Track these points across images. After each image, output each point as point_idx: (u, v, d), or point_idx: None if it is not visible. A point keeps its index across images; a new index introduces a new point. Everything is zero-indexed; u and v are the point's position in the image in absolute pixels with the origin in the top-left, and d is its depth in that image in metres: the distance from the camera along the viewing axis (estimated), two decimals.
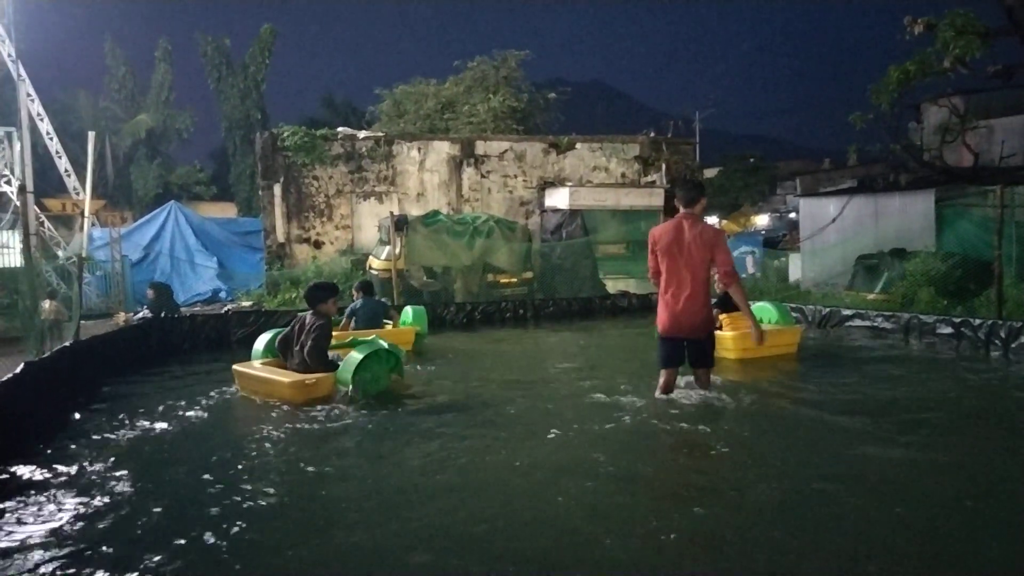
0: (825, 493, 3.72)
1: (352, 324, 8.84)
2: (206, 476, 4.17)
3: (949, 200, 13.16)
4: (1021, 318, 8.67)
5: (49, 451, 4.69)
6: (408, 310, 9.73)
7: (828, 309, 10.77)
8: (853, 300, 12.26)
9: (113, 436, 5.16)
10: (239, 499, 3.76)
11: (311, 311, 6.46)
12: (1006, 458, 4.38)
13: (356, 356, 6.13)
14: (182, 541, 3.20)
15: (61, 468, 4.34)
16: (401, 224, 13.57)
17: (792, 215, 30.73)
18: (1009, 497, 3.71)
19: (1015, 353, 7.89)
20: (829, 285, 13.92)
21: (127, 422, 5.56)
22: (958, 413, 5.55)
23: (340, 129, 17.96)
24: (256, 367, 6.56)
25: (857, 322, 10.18)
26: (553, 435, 4.86)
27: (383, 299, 10.48)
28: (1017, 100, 18.94)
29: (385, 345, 6.47)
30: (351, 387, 6.02)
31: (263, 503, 3.73)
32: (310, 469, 4.35)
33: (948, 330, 8.93)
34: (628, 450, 4.62)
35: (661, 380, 5.55)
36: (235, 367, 6.64)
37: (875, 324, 9.91)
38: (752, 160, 43.62)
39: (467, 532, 3.30)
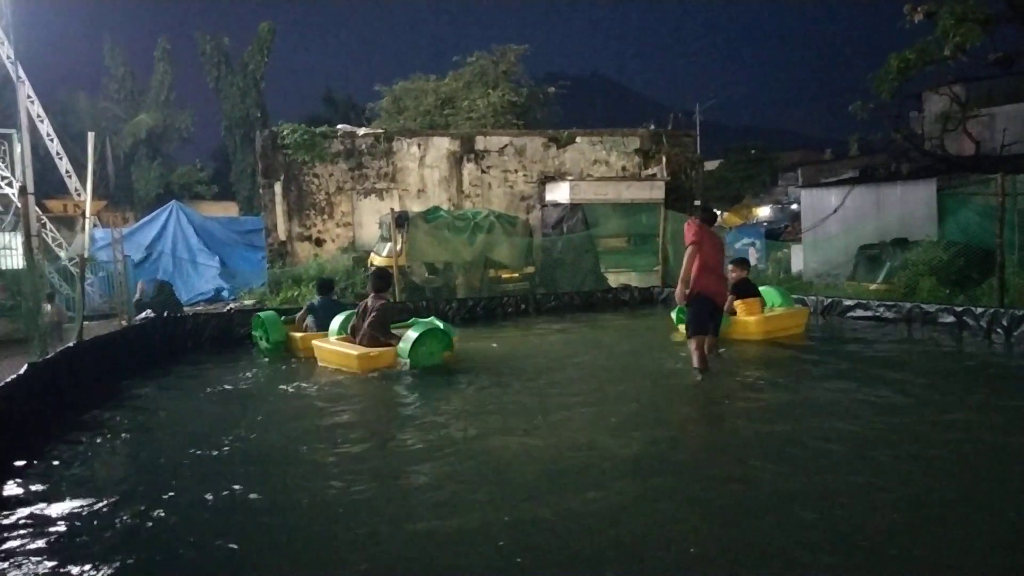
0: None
1: (309, 321, 8.71)
2: (224, 468, 4.19)
3: (951, 189, 13.12)
4: (1022, 306, 8.63)
5: (53, 451, 4.71)
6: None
7: (830, 299, 10.75)
8: (855, 290, 12.24)
9: (117, 435, 5.18)
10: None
11: (373, 295, 7.60)
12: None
13: (413, 334, 7.13)
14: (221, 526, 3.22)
15: (65, 468, 4.36)
16: (402, 220, 13.57)
17: (794, 206, 30.68)
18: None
19: (1018, 341, 7.87)
20: (831, 276, 13.89)
21: (132, 421, 5.58)
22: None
23: (340, 126, 17.95)
24: (332, 342, 7.69)
25: (859, 312, 10.16)
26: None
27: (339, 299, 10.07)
28: (1018, 88, 18.86)
29: (440, 325, 7.56)
30: (407, 360, 7.01)
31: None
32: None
33: (950, 319, 8.91)
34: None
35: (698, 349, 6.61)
36: (314, 342, 7.87)
37: (877, 314, 9.90)
38: (753, 152, 43.54)
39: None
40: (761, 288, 9.00)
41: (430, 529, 3.28)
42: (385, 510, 3.60)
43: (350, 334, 7.68)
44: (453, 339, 7.61)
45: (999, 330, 8.25)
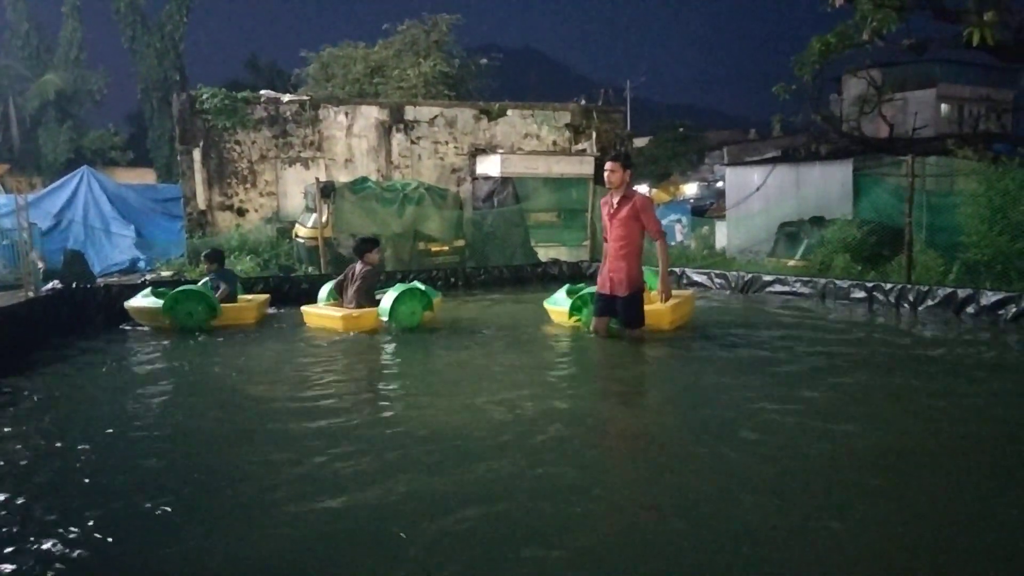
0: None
1: (224, 290, 8.56)
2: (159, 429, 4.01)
3: (866, 170, 13.65)
4: (928, 282, 9.09)
5: None
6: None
7: (750, 275, 11.07)
8: (775, 266, 12.64)
9: (21, 411, 4.91)
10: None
11: (359, 261, 7.98)
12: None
13: (393, 293, 7.48)
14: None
15: None
16: (328, 191, 13.25)
17: (719, 184, 31.39)
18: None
19: (921, 315, 8.29)
20: (753, 252, 14.32)
21: (36, 395, 5.30)
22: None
23: (263, 92, 17.34)
24: (318, 308, 8.23)
25: (777, 287, 10.50)
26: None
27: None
28: (929, 74, 19.73)
29: (421, 286, 7.87)
30: (388, 319, 7.40)
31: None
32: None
33: (861, 294, 9.30)
34: None
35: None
36: (302, 308, 8.39)
37: (794, 289, 10.25)
38: (681, 129, 44.28)
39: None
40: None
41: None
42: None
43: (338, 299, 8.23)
44: (434, 300, 7.93)
45: (906, 304, 8.67)
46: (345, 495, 3.29)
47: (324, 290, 8.62)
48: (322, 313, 8.10)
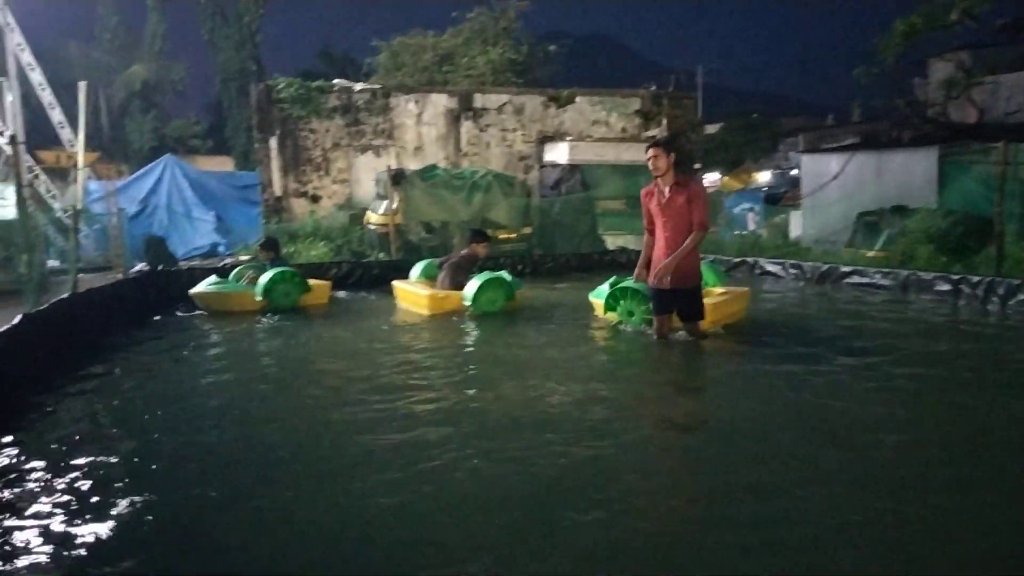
0: None
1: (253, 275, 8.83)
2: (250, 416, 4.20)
3: (952, 157, 13.04)
4: (1020, 275, 8.64)
5: (49, 403, 4.71)
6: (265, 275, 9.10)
7: (827, 265, 10.74)
8: (852, 257, 12.22)
9: (112, 387, 5.19)
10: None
11: (468, 248, 8.48)
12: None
13: (477, 281, 7.74)
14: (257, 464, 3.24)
15: (63, 419, 4.37)
16: (398, 178, 13.47)
17: (794, 172, 30.49)
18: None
19: (1012, 309, 7.89)
20: (829, 242, 13.85)
21: (126, 373, 5.59)
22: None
23: (336, 81, 17.70)
24: (410, 284, 8.68)
25: (855, 279, 10.16)
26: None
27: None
28: None
29: (507, 276, 8.08)
30: (470, 303, 7.63)
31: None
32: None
33: (946, 287, 8.90)
34: None
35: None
36: (394, 283, 8.91)
37: (873, 281, 9.89)
38: (755, 116, 43.12)
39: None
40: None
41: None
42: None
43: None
44: (517, 291, 8.16)
45: (995, 298, 8.26)
46: (411, 469, 3.37)
47: (418, 268, 9.06)
48: (411, 290, 8.51)
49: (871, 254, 12.17)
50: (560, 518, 2.91)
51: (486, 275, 7.97)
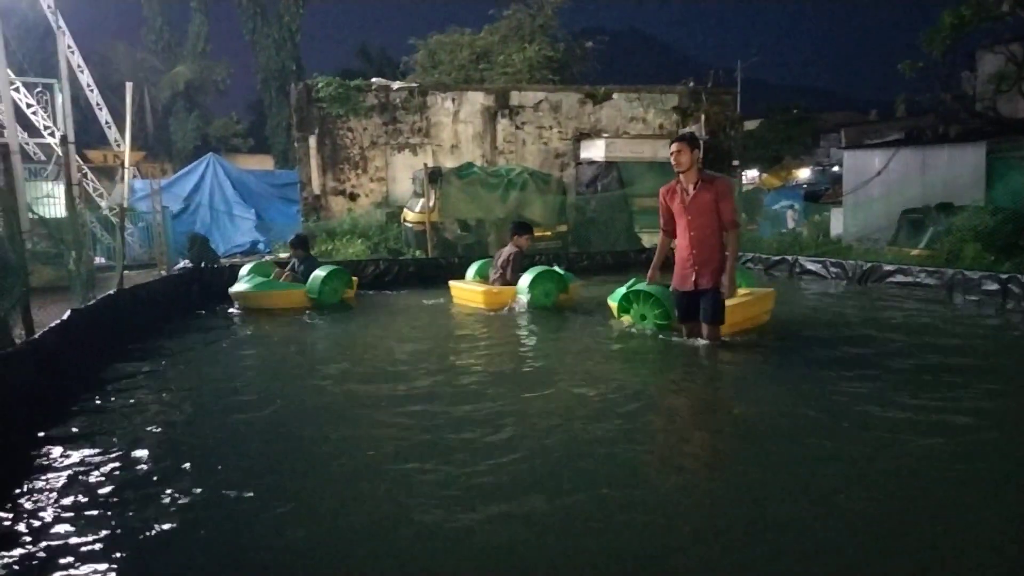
0: None
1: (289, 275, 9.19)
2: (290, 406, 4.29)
3: (1001, 152, 12.67)
4: None
5: (96, 396, 4.84)
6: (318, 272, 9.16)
7: (869, 264, 10.54)
8: (896, 255, 11.96)
9: (159, 380, 5.32)
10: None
11: (511, 243, 8.68)
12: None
13: (529, 276, 7.94)
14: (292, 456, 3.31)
15: (110, 411, 4.49)
16: (435, 176, 13.54)
17: (835, 168, 29.90)
18: None
19: None
20: (872, 240, 13.58)
21: (172, 366, 5.72)
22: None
23: (374, 80, 17.85)
24: (465, 283, 9.04)
25: (899, 278, 9.95)
26: None
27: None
28: None
29: (559, 270, 8.29)
30: (525, 296, 7.75)
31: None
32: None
33: (994, 286, 8.67)
34: None
35: None
36: (450, 283, 9.26)
37: (918, 280, 9.68)
38: (795, 111, 42.38)
39: None
40: None
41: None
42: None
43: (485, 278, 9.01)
44: (570, 284, 8.29)
45: None
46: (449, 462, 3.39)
47: (473, 268, 9.41)
48: (466, 288, 8.84)
49: (915, 252, 11.89)
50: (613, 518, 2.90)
51: (539, 268, 8.14)
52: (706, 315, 5.76)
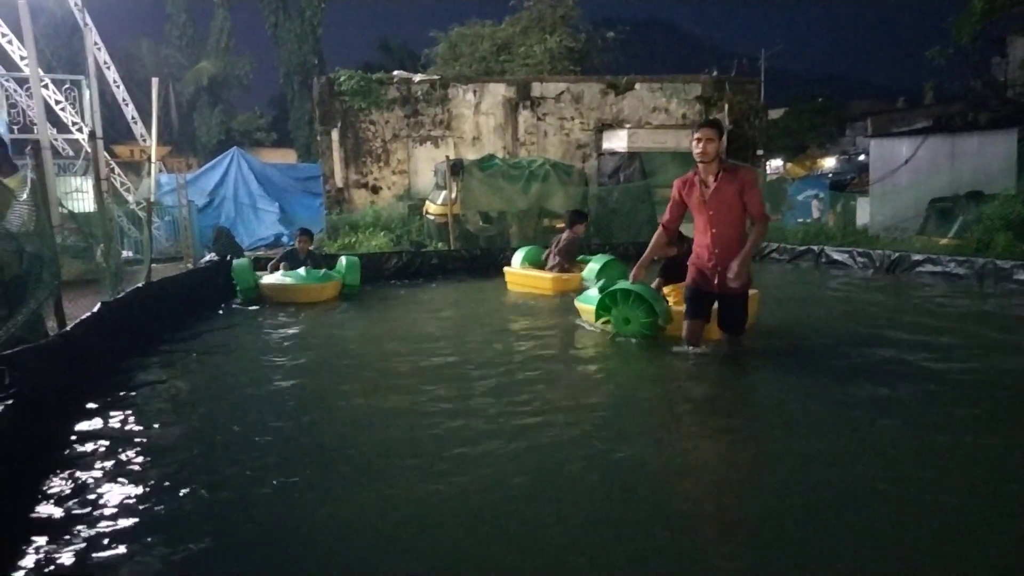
0: None
1: (283, 266, 9.14)
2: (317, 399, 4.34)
3: None
4: None
5: (125, 387, 4.92)
6: (342, 259, 9.39)
7: (897, 254, 10.40)
8: (924, 245, 11.79)
9: (188, 371, 5.39)
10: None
11: (567, 230, 8.98)
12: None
13: (596, 263, 7.83)
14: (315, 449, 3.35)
15: (139, 402, 4.56)
16: (457, 168, 13.55)
17: (862, 157, 29.53)
18: None
19: None
20: (899, 229, 13.39)
21: (201, 356, 5.80)
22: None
23: (396, 73, 17.89)
24: (524, 270, 9.28)
25: (928, 267, 9.81)
26: None
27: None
28: None
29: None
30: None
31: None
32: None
33: None
34: None
35: None
36: (505, 269, 9.64)
37: (947, 269, 9.53)
38: (820, 100, 41.88)
39: None
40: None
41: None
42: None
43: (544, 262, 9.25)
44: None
45: None
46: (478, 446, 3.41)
47: (519, 255, 9.67)
48: (530, 274, 9.05)
49: (944, 242, 11.72)
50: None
51: (605, 257, 8.19)
52: (732, 325, 5.25)
